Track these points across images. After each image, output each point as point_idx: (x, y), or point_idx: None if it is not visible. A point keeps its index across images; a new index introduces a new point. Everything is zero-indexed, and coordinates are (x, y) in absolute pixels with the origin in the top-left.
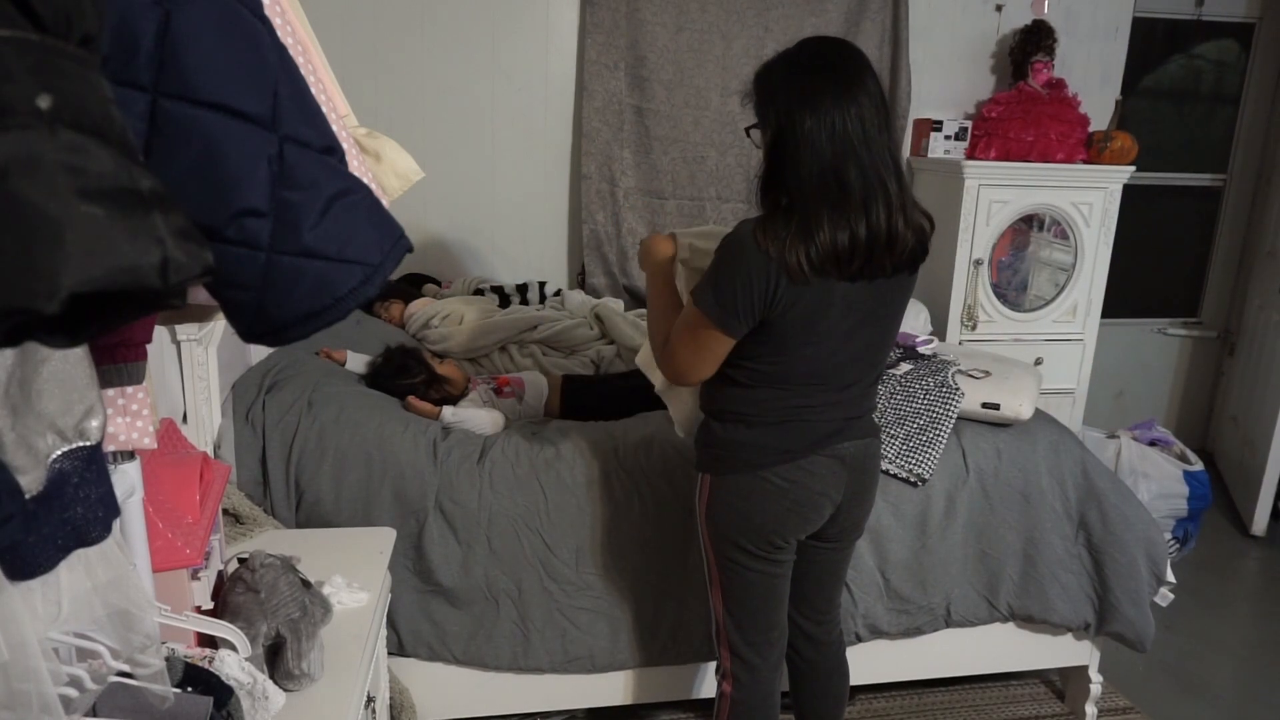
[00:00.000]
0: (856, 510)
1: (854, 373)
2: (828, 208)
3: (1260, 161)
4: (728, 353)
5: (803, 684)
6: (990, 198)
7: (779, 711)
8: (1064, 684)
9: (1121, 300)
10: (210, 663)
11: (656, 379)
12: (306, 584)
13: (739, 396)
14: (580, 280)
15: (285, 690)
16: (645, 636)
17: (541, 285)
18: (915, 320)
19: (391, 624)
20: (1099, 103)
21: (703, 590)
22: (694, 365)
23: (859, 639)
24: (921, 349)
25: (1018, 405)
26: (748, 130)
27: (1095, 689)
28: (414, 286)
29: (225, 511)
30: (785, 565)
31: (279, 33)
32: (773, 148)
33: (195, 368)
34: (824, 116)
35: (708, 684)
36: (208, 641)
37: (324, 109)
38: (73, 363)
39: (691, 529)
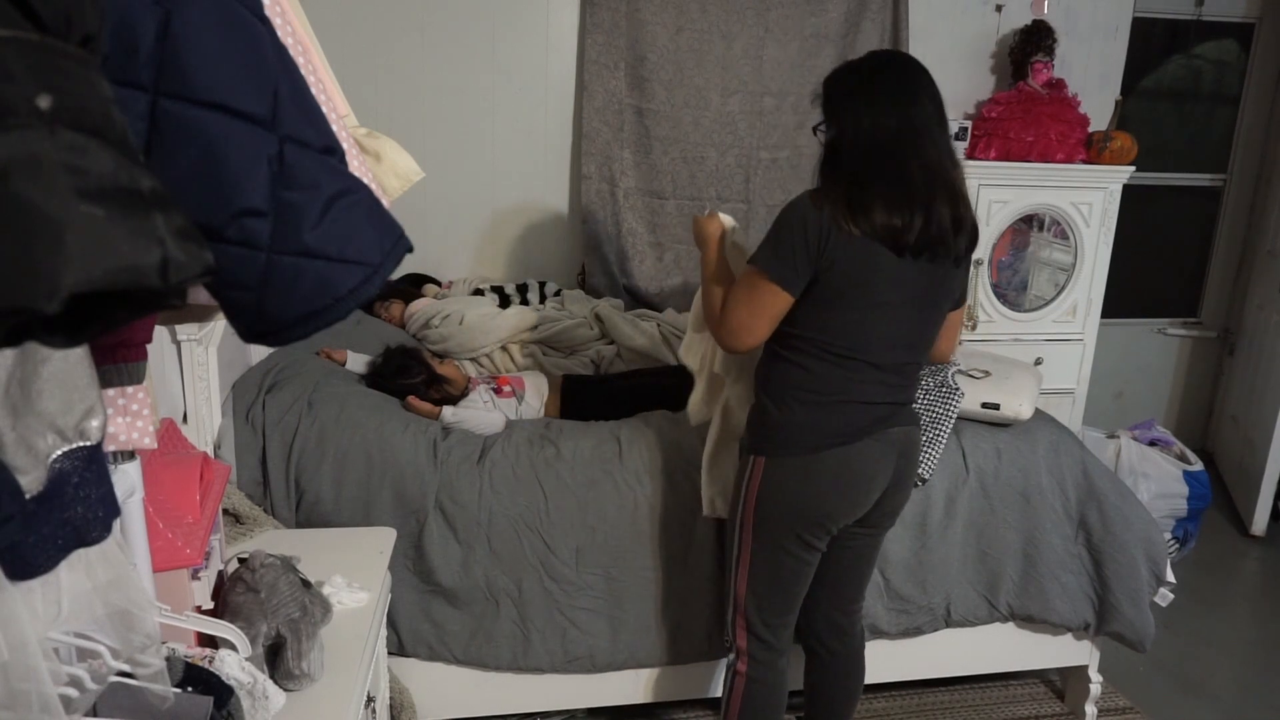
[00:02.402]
0: (898, 495)
1: (898, 354)
2: (887, 192)
3: (1260, 161)
4: (783, 313)
5: (823, 675)
6: (990, 198)
7: (787, 695)
8: (1064, 684)
9: (1121, 300)
10: (210, 663)
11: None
12: (306, 584)
13: (793, 374)
14: (580, 280)
15: (285, 690)
16: (645, 636)
17: (541, 285)
18: None
19: (391, 624)
20: (1099, 103)
21: (704, 589)
22: (749, 325)
23: None
24: None
25: (1018, 405)
26: (815, 129)
27: (1095, 689)
28: (414, 286)
29: (225, 511)
30: (819, 553)
31: (279, 33)
32: (836, 140)
33: (195, 368)
34: (887, 114)
35: (709, 683)
36: (208, 641)
37: (324, 109)
38: (73, 363)
39: (692, 528)
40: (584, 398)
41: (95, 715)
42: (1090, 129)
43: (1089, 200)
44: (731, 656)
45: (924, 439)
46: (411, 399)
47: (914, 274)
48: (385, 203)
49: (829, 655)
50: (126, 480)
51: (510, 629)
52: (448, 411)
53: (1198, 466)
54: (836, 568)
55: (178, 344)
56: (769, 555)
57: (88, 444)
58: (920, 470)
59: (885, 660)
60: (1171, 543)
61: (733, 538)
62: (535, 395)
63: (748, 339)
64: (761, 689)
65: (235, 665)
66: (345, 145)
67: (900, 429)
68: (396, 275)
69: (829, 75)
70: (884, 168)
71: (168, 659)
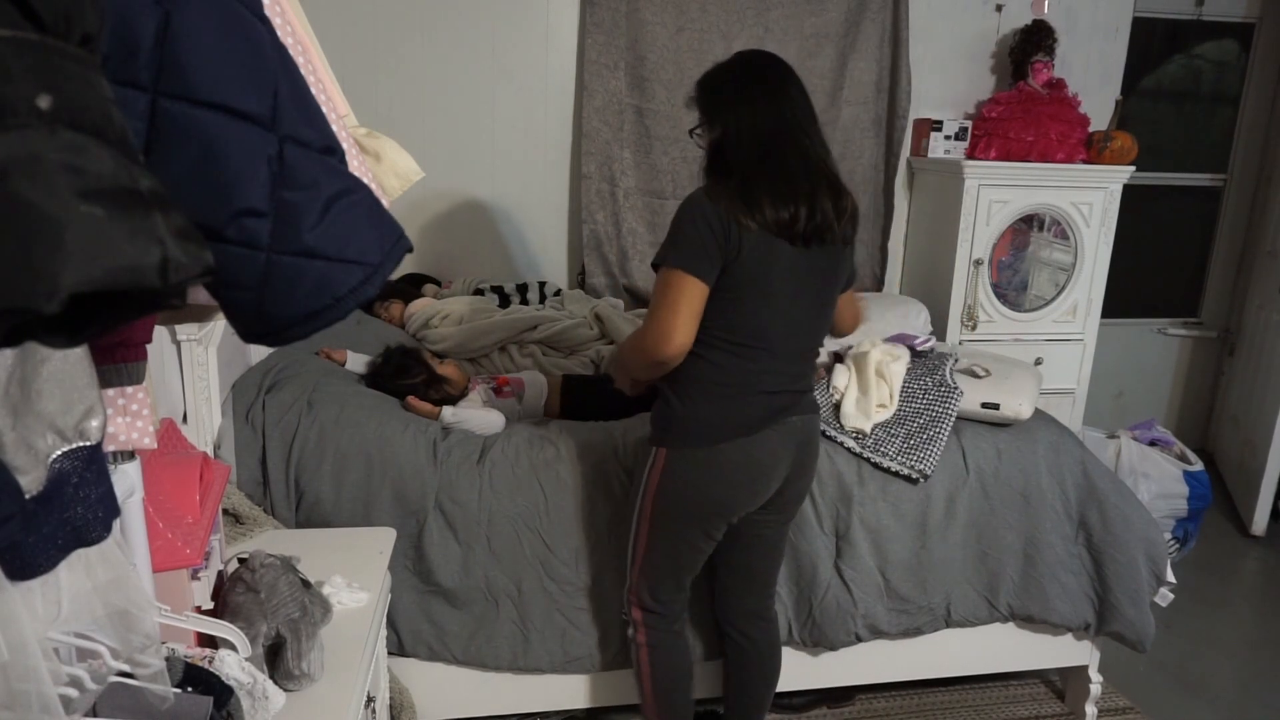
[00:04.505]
0: (800, 483)
1: (797, 341)
2: (773, 187)
3: (1260, 161)
4: (701, 306)
5: (743, 662)
6: (990, 198)
7: (691, 658)
8: (1064, 684)
9: (1121, 300)
10: (210, 663)
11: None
12: (306, 584)
13: (696, 367)
14: (580, 280)
15: (285, 690)
16: None
17: (541, 285)
18: (915, 320)
19: (391, 624)
20: (1099, 103)
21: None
22: (674, 324)
23: (859, 639)
24: (920, 348)
25: (1018, 405)
26: (691, 132)
27: (1095, 689)
28: (414, 286)
29: (225, 511)
30: (716, 541)
31: (279, 33)
32: (720, 141)
33: (195, 368)
34: (764, 112)
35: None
36: (208, 641)
37: (324, 109)
38: (73, 363)
39: None
40: (584, 398)
41: (95, 715)
42: (1090, 129)
43: (1089, 200)
44: (631, 631)
45: (924, 437)
46: (411, 399)
47: (807, 262)
48: (385, 203)
49: (749, 643)
50: (126, 480)
51: (510, 629)
52: (447, 411)
53: (1198, 466)
54: (747, 556)
55: (178, 344)
56: (668, 545)
57: (87, 444)
58: (922, 465)
59: (885, 660)
60: (1172, 543)
61: (631, 523)
62: (535, 395)
63: (674, 339)
64: (665, 652)
65: (235, 665)
66: (345, 145)
67: (800, 417)
68: (396, 275)
69: (702, 78)
70: (767, 164)
71: (167, 659)
